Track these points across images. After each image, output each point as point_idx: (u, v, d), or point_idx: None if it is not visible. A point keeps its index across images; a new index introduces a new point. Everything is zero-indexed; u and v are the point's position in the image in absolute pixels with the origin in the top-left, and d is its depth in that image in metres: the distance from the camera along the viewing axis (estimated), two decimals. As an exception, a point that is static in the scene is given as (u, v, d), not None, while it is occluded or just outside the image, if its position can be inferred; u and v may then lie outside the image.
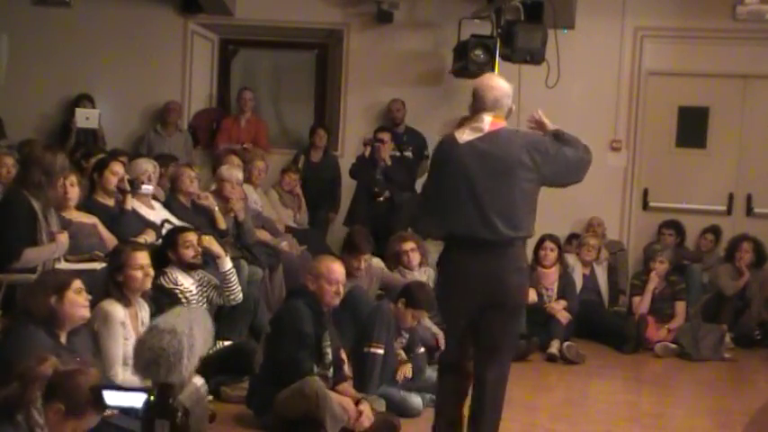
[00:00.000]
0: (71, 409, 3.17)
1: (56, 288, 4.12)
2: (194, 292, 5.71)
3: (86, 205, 6.06)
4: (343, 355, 5.31)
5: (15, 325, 4.16)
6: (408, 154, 9.24)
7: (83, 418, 3.23)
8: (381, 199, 8.76)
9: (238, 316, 6.15)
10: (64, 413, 3.16)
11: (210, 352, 5.34)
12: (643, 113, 9.52)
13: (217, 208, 6.97)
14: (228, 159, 8.23)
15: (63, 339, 4.15)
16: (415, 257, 7.24)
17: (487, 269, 4.29)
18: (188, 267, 5.73)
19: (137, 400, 3.57)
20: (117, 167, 6.28)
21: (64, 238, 5.28)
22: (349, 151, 9.62)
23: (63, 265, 5.30)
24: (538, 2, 8.23)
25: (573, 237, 9.09)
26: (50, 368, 3.21)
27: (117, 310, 4.68)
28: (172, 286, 5.59)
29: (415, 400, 5.58)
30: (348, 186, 9.26)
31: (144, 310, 4.85)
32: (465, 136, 4.35)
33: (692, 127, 9.51)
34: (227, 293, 5.89)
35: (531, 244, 6.49)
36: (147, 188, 6.51)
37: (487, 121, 4.31)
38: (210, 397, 5.14)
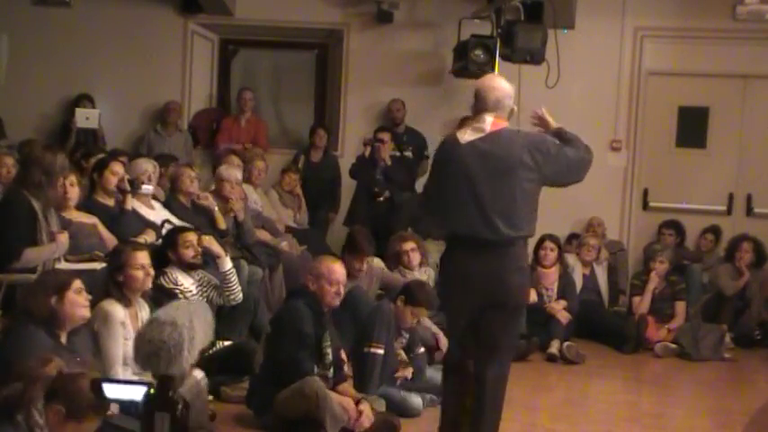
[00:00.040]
0: (72, 411, 3.16)
1: (56, 288, 4.12)
2: (194, 292, 5.71)
3: (86, 205, 6.06)
4: (344, 356, 5.31)
5: (15, 325, 4.16)
6: (408, 154, 9.24)
7: (83, 422, 3.22)
8: (381, 199, 8.76)
9: (238, 316, 6.15)
10: (64, 415, 3.15)
11: (210, 352, 5.35)
12: (643, 113, 9.52)
13: (216, 208, 6.97)
14: (228, 159, 8.23)
15: (63, 339, 4.15)
16: (416, 257, 7.24)
17: (489, 269, 4.30)
18: (188, 267, 5.74)
19: (136, 392, 3.58)
20: (117, 167, 6.28)
21: (64, 238, 5.28)
22: (349, 151, 9.62)
23: (63, 265, 5.30)
24: (538, 2, 8.23)
25: (573, 237, 9.09)
26: (54, 369, 3.21)
27: (117, 310, 4.68)
28: (172, 286, 5.59)
29: (415, 400, 5.58)
30: (348, 186, 9.26)
31: (144, 310, 4.85)
32: (467, 136, 4.36)
33: (692, 127, 9.51)
34: (227, 293, 5.89)
35: (531, 244, 6.48)
36: (147, 188, 6.51)
37: (489, 122, 4.33)
38: (210, 397, 5.15)
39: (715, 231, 9.16)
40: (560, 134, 4.47)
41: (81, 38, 9.75)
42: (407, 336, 5.95)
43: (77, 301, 4.16)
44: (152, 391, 3.39)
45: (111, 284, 4.76)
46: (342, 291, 5.17)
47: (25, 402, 3.13)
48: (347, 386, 5.25)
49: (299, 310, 5.04)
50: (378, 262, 7.11)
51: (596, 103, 9.32)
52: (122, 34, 9.76)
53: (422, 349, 6.03)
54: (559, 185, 4.58)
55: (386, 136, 8.84)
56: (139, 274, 4.79)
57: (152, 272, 4.93)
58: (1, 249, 5.14)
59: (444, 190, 4.43)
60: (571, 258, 8.37)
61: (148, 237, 6.03)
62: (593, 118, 8.90)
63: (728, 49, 9.30)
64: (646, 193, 9.62)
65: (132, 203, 6.27)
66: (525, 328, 7.07)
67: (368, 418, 4.98)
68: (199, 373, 4.01)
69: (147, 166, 6.72)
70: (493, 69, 8.15)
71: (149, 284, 4.89)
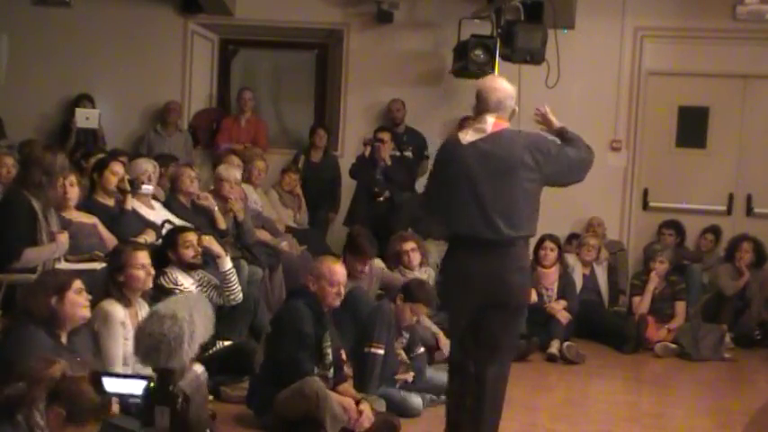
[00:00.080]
0: (72, 415, 3.15)
1: (56, 288, 4.12)
2: (194, 292, 5.71)
3: (86, 205, 6.06)
4: (344, 356, 5.31)
5: (16, 325, 4.16)
6: (408, 154, 9.24)
7: (83, 426, 3.21)
8: (381, 199, 8.76)
9: (238, 316, 6.15)
10: (65, 418, 3.14)
11: (210, 352, 5.35)
12: (643, 113, 9.52)
13: (216, 208, 6.97)
14: (228, 159, 8.24)
15: (63, 339, 4.15)
16: (416, 257, 7.25)
17: (490, 269, 4.32)
18: (188, 267, 5.74)
19: (136, 386, 3.57)
20: (117, 167, 6.29)
21: (64, 238, 5.28)
22: (349, 151, 9.62)
23: (63, 265, 5.30)
24: (538, 2, 8.23)
25: (573, 237, 9.09)
26: (58, 371, 3.20)
27: (117, 310, 4.68)
28: (172, 286, 5.59)
29: (415, 400, 5.58)
30: (348, 186, 9.26)
31: (144, 310, 4.84)
32: (468, 137, 4.39)
33: (692, 127, 9.50)
34: (227, 293, 5.90)
35: (531, 244, 6.47)
36: (147, 188, 6.51)
37: (490, 122, 4.35)
38: (210, 397, 5.14)
39: (715, 231, 9.16)
40: (562, 134, 4.51)
41: (81, 38, 9.75)
42: (408, 336, 5.95)
43: (78, 302, 4.17)
44: (152, 384, 3.39)
45: (111, 284, 4.77)
46: (342, 291, 5.17)
47: (27, 403, 3.13)
48: (347, 386, 5.25)
49: (300, 311, 5.04)
50: (378, 262, 7.11)
51: (596, 103, 9.32)
52: (122, 34, 9.76)
53: (422, 349, 6.02)
54: (560, 185, 4.61)
55: (386, 136, 8.84)
56: (141, 273, 4.80)
57: (152, 271, 4.94)
58: (1, 249, 5.14)
59: (446, 190, 4.44)
60: (571, 258, 8.37)
61: (148, 237, 6.03)
62: (593, 118, 8.89)
63: (728, 49, 9.30)
64: (646, 193, 9.62)
65: (132, 203, 6.27)
66: (525, 328, 7.06)
67: (368, 419, 4.98)
68: (199, 368, 4.00)
69: (147, 166, 6.72)
70: (493, 69, 8.15)
71: (150, 284, 4.90)
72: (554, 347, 7.32)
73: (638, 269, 8.80)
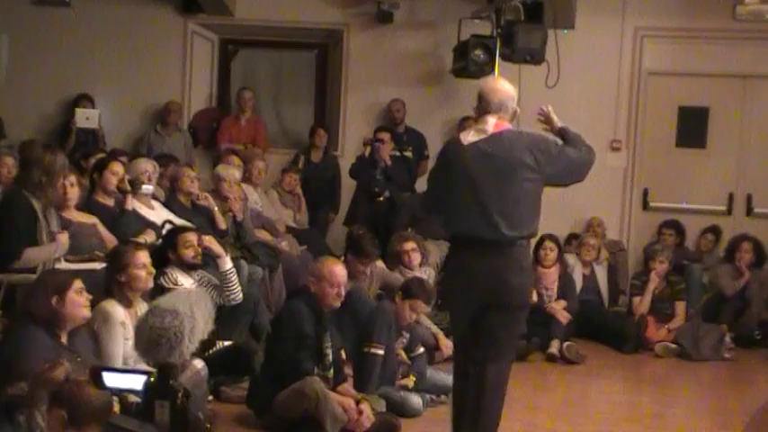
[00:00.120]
0: (73, 418, 3.14)
1: (57, 288, 4.12)
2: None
3: (86, 205, 6.06)
4: (343, 356, 5.31)
5: (16, 325, 4.16)
6: (408, 154, 9.23)
7: (83, 429, 3.20)
8: (381, 199, 8.75)
9: (238, 316, 6.15)
10: (66, 421, 3.14)
11: (210, 352, 5.35)
12: (643, 113, 9.52)
13: (216, 208, 6.97)
14: (228, 159, 8.24)
15: (63, 339, 4.15)
16: (416, 257, 7.25)
17: (490, 269, 4.33)
18: (188, 267, 5.73)
19: (136, 381, 3.57)
20: (117, 167, 6.29)
21: (64, 238, 5.28)
22: (349, 151, 9.62)
23: (63, 266, 5.30)
24: (538, 2, 8.23)
25: (573, 237, 9.08)
26: (62, 374, 3.20)
27: (117, 310, 4.68)
28: (172, 286, 5.57)
29: (415, 400, 5.58)
30: (348, 186, 9.26)
31: (143, 311, 4.84)
32: (469, 138, 4.41)
33: (692, 127, 9.50)
34: (227, 293, 5.90)
35: (531, 244, 6.48)
36: (148, 188, 6.51)
37: (491, 123, 4.37)
38: (210, 397, 5.15)
39: (715, 231, 9.16)
40: (563, 134, 4.53)
41: (81, 38, 9.76)
42: (408, 336, 5.95)
43: (78, 302, 4.16)
44: (152, 379, 3.38)
45: (113, 285, 4.76)
46: (342, 293, 5.18)
47: (29, 403, 3.12)
48: (347, 386, 5.25)
49: (300, 311, 5.05)
50: (378, 262, 7.11)
51: (596, 103, 9.32)
52: (122, 34, 9.76)
53: (421, 349, 6.02)
54: (561, 185, 4.65)
55: (386, 136, 8.83)
56: (142, 273, 4.80)
57: (153, 271, 4.94)
58: (1, 249, 5.14)
59: (447, 191, 4.47)
60: (571, 258, 8.36)
61: (148, 237, 6.03)
62: (593, 118, 8.89)
63: (728, 49, 9.30)
64: (646, 193, 9.62)
65: (132, 203, 6.27)
66: (525, 328, 7.06)
67: (368, 419, 4.98)
68: (199, 363, 4.01)
69: (147, 166, 6.72)
70: (493, 69, 8.16)
71: (151, 284, 4.90)
72: (554, 347, 7.31)
73: (638, 269, 8.79)
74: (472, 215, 4.33)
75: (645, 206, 9.62)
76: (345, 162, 9.36)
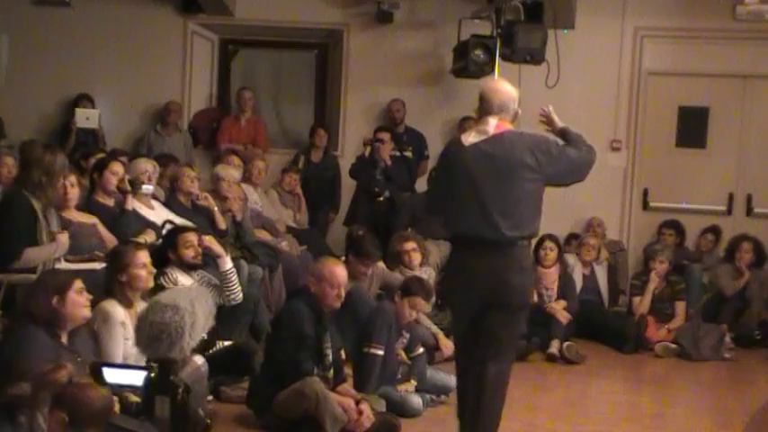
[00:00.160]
0: (74, 421, 3.14)
1: (57, 289, 4.12)
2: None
3: (86, 205, 6.06)
4: (343, 356, 5.31)
5: (16, 325, 4.16)
6: (408, 154, 9.23)
7: None
8: (381, 199, 8.75)
9: (238, 316, 6.15)
10: (66, 424, 3.14)
11: (210, 352, 5.35)
12: (643, 113, 9.52)
13: (216, 208, 6.97)
14: (228, 159, 8.24)
15: (63, 339, 4.15)
16: (416, 257, 7.25)
17: (491, 268, 4.35)
18: (188, 267, 5.73)
19: (137, 377, 3.56)
20: (117, 167, 6.29)
21: (64, 238, 5.28)
22: (349, 151, 9.62)
23: (63, 266, 5.30)
24: (538, 2, 8.23)
25: (573, 237, 9.08)
26: (65, 376, 3.19)
27: (117, 310, 4.68)
28: (172, 286, 5.58)
29: (415, 400, 5.59)
30: (348, 186, 9.26)
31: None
32: (470, 138, 4.44)
33: (692, 127, 9.50)
34: (228, 293, 5.90)
35: (531, 244, 6.49)
36: (148, 188, 6.51)
37: (493, 124, 4.40)
38: (210, 397, 5.15)
39: (715, 231, 9.15)
40: (564, 134, 4.55)
41: (81, 38, 9.75)
42: (408, 336, 5.95)
43: (78, 302, 4.16)
44: (153, 375, 3.38)
45: (113, 285, 4.76)
46: (343, 294, 5.18)
47: (31, 405, 3.12)
48: (347, 387, 5.25)
49: (300, 311, 5.05)
50: (378, 262, 7.11)
51: (596, 103, 9.32)
52: (122, 34, 9.76)
53: (421, 350, 6.01)
54: (562, 185, 4.67)
55: (386, 136, 8.83)
56: (143, 273, 4.80)
57: (153, 271, 4.94)
58: (1, 249, 5.14)
59: (448, 191, 4.50)
60: (571, 258, 8.36)
61: (148, 237, 6.03)
62: (593, 118, 8.88)
63: (728, 49, 9.30)
64: (646, 193, 9.62)
65: (132, 203, 6.27)
66: (525, 328, 7.06)
67: (368, 419, 4.98)
68: (199, 359, 4.01)
69: (147, 166, 6.72)
70: (493, 69, 8.16)
71: (152, 284, 4.90)
72: (554, 347, 7.31)
73: (638, 269, 8.79)
74: (473, 215, 4.36)
75: (645, 206, 9.62)
76: (345, 162, 9.36)
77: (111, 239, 5.79)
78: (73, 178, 5.73)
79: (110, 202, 6.24)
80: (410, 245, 7.30)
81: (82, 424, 3.15)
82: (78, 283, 4.19)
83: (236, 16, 9.79)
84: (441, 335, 6.77)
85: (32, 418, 3.12)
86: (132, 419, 3.68)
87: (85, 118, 8.70)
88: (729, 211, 9.47)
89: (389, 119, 9.51)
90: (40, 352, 3.85)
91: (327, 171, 9.48)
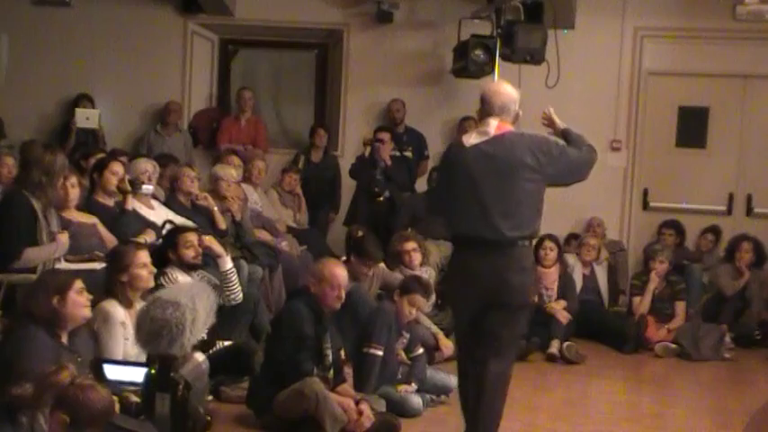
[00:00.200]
0: (75, 422, 3.14)
1: (57, 289, 4.12)
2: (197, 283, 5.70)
3: (86, 205, 6.06)
4: (343, 356, 5.31)
5: (16, 326, 4.16)
6: (408, 154, 9.23)
7: None
8: (381, 199, 8.75)
9: (238, 316, 6.15)
10: (67, 425, 3.14)
11: (210, 352, 5.35)
12: (643, 113, 9.52)
13: (216, 208, 6.97)
14: (227, 159, 8.24)
15: (64, 339, 4.15)
16: (417, 257, 7.24)
17: (492, 269, 4.38)
18: (188, 267, 5.73)
19: (137, 374, 3.56)
20: (117, 167, 6.29)
21: (64, 238, 5.28)
22: (349, 151, 9.62)
23: (63, 266, 5.30)
24: (538, 2, 8.23)
25: (573, 237, 9.09)
26: (67, 378, 3.19)
27: (117, 310, 4.68)
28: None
29: (415, 400, 5.59)
30: (348, 186, 9.26)
31: (144, 309, 4.85)
32: (471, 140, 4.47)
33: (692, 127, 9.50)
34: (228, 293, 5.90)
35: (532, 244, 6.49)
36: (148, 188, 6.51)
37: (494, 126, 4.43)
38: (210, 397, 5.15)
39: (715, 231, 9.15)
40: (566, 135, 4.59)
41: (81, 38, 9.75)
42: (408, 336, 5.94)
43: (79, 302, 4.16)
44: (153, 371, 3.38)
45: (114, 285, 4.76)
46: (343, 295, 5.18)
47: (34, 406, 3.12)
48: (347, 387, 5.25)
49: (300, 312, 5.05)
50: (379, 263, 7.12)
51: (596, 103, 9.32)
52: (122, 34, 9.76)
53: (421, 350, 6.01)
54: (563, 185, 4.69)
55: (386, 136, 8.83)
56: (144, 272, 4.81)
57: (154, 270, 4.94)
58: (1, 249, 5.14)
59: (449, 192, 4.53)
60: (571, 258, 8.36)
61: (148, 237, 6.03)
62: (593, 118, 8.88)
63: (728, 49, 9.30)
64: (646, 193, 9.62)
65: (132, 203, 6.27)
66: (526, 328, 7.06)
67: (368, 419, 4.98)
68: (200, 356, 4.01)
69: (147, 166, 6.72)
70: (493, 69, 8.16)
71: (152, 283, 4.90)
72: (554, 347, 7.31)
73: (638, 269, 8.79)
74: (474, 215, 4.39)
75: (645, 206, 9.62)
76: (345, 162, 9.36)
77: (111, 239, 5.79)
78: (74, 179, 5.73)
79: (110, 202, 6.24)
80: (410, 245, 7.30)
81: (83, 425, 3.15)
82: (79, 283, 4.19)
83: (236, 16, 9.79)
84: (441, 335, 6.77)
85: (33, 419, 3.12)
86: (132, 419, 3.68)
87: (85, 118, 8.70)
88: (729, 211, 9.47)
89: (389, 119, 9.51)
90: (41, 352, 3.85)
91: (327, 171, 9.48)
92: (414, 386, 5.70)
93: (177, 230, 5.91)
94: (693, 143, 9.51)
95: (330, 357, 5.11)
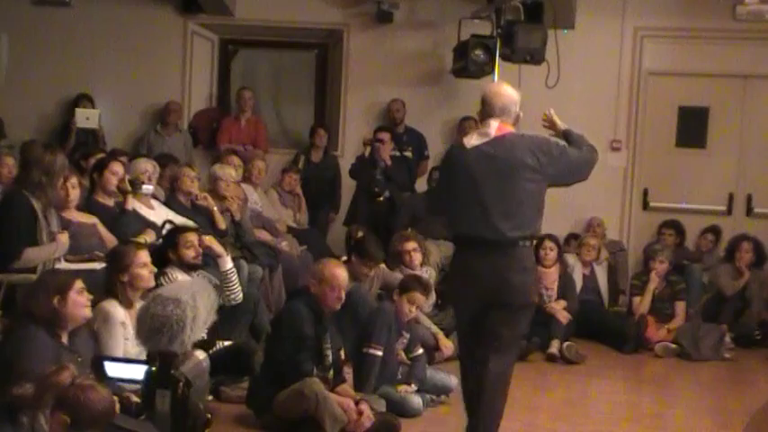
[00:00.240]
0: (76, 423, 3.14)
1: (58, 289, 4.12)
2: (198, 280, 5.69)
3: (86, 205, 6.06)
4: (343, 356, 5.31)
5: (16, 326, 4.16)
6: (408, 154, 9.23)
7: None
8: (381, 199, 8.75)
9: (238, 316, 6.15)
10: (68, 426, 3.13)
11: (210, 352, 5.34)
12: (643, 113, 9.52)
13: (216, 208, 6.97)
14: (227, 159, 8.24)
15: (64, 339, 4.15)
16: (417, 257, 7.24)
17: (493, 269, 4.39)
18: (188, 267, 5.73)
19: (138, 371, 3.56)
20: (117, 167, 6.29)
21: (64, 238, 5.28)
22: (349, 151, 9.62)
23: (63, 266, 5.30)
24: (538, 2, 8.23)
25: (573, 237, 9.09)
26: (68, 378, 3.19)
27: (117, 310, 4.68)
28: (172, 286, 5.58)
29: (415, 400, 5.59)
30: (348, 186, 9.26)
31: (144, 310, 4.84)
32: (472, 141, 4.48)
33: (692, 127, 9.50)
34: (228, 293, 5.90)
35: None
36: (148, 188, 6.51)
37: (494, 127, 4.44)
38: (210, 397, 5.14)
39: (715, 231, 9.16)
40: (567, 135, 4.61)
41: (81, 38, 9.76)
42: (408, 336, 5.95)
43: (79, 302, 4.16)
44: (153, 368, 3.37)
45: (114, 285, 4.76)
46: (343, 296, 5.18)
47: (34, 406, 3.11)
48: (347, 387, 5.25)
49: (300, 312, 5.05)
50: (379, 263, 7.12)
51: (596, 103, 9.32)
52: (122, 34, 9.76)
53: (421, 350, 6.01)
54: (564, 185, 4.71)
55: (386, 136, 8.82)
56: (144, 272, 4.81)
57: (155, 270, 4.94)
58: (1, 249, 5.14)
59: (450, 192, 4.54)
60: (571, 258, 8.37)
61: (148, 237, 6.03)
62: (593, 118, 8.87)
63: (728, 49, 9.30)
64: (646, 193, 9.62)
65: (132, 203, 6.27)
66: (527, 328, 7.05)
67: (368, 419, 4.98)
68: (201, 354, 4.01)
69: (147, 166, 6.72)
70: (493, 69, 8.16)
71: (153, 283, 4.90)
72: (554, 347, 7.32)
73: (638, 269, 8.79)
74: (474, 216, 4.40)
75: (645, 206, 9.63)
76: (345, 162, 9.36)
77: (111, 239, 5.79)
78: (74, 180, 5.73)
79: (110, 202, 6.24)
80: (411, 245, 7.30)
81: (83, 426, 3.15)
82: (79, 283, 4.20)
83: (236, 16, 9.79)
84: (441, 335, 6.77)
85: (34, 419, 3.12)
86: (132, 420, 3.68)
87: (85, 118, 8.70)
88: (729, 211, 9.47)
89: (389, 119, 9.51)
90: (41, 352, 3.86)
91: (327, 171, 9.48)
92: (414, 386, 5.70)
93: (177, 230, 5.91)
94: (693, 143, 9.51)
95: (330, 357, 5.11)
